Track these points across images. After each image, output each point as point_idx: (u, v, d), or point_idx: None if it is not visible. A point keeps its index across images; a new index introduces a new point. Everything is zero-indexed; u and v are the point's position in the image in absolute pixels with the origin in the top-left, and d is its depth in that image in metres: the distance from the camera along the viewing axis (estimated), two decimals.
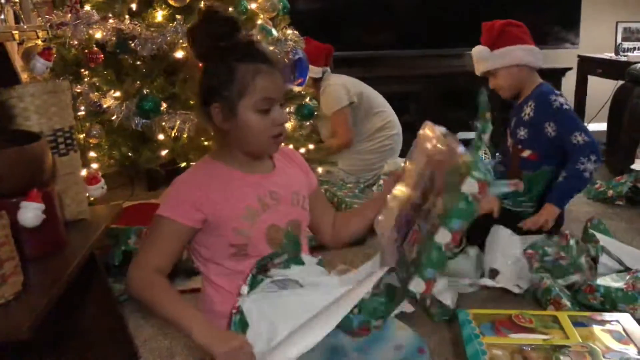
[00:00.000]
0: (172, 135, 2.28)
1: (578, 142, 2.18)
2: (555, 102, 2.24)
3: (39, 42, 2.02)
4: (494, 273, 2.07)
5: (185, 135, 2.30)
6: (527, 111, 2.32)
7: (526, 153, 2.33)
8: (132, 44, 2.29)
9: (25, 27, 1.79)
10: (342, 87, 3.24)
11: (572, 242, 2.17)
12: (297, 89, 2.83)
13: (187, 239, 1.33)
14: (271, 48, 2.54)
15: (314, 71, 3.22)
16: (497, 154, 3.34)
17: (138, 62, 2.37)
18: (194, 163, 2.42)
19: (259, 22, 2.61)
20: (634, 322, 1.75)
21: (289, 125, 2.64)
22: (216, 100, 1.30)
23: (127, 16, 2.37)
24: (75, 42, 2.28)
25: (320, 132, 3.41)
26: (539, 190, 2.31)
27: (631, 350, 1.60)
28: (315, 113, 2.82)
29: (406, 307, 1.76)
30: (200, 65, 1.37)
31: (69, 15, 2.27)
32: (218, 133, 1.37)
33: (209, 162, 1.38)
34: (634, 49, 4.16)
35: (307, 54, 3.04)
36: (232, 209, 1.31)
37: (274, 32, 2.61)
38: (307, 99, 2.77)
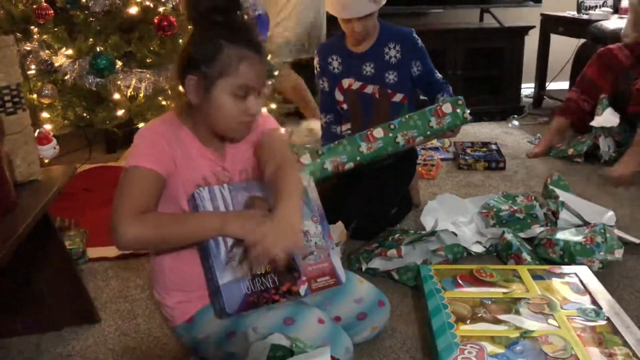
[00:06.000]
0: (129, 94, 2.21)
1: (439, 78, 2.25)
2: (418, 40, 2.23)
3: None
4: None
5: (142, 95, 2.24)
6: (391, 53, 2.23)
7: (398, 97, 2.25)
8: (84, 0, 2.20)
9: None
10: None
11: (535, 202, 2.20)
12: None
13: (161, 190, 1.25)
14: None
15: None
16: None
17: (91, 19, 2.27)
18: None
19: None
20: (591, 274, 1.79)
21: None
22: (194, 73, 1.24)
23: None
24: None
25: None
26: None
27: (588, 301, 1.64)
28: (276, 73, 2.75)
29: None
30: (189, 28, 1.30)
31: None
32: (187, 101, 1.30)
33: (175, 123, 1.31)
34: (596, 6, 4.16)
35: None
36: (191, 175, 1.28)
37: None
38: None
